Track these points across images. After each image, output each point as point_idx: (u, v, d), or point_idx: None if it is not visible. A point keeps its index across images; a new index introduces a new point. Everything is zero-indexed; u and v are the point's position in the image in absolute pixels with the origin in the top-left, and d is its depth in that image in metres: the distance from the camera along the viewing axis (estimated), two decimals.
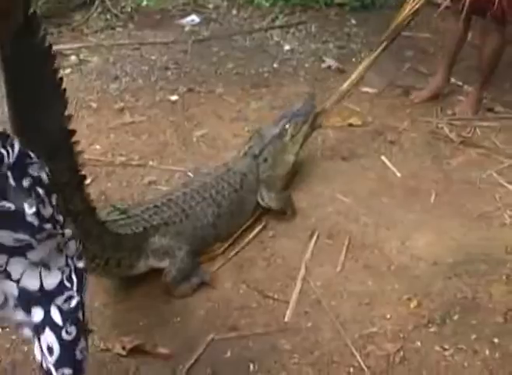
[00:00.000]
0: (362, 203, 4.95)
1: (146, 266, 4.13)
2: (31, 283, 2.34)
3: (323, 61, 7.51)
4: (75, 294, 2.43)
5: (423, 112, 6.28)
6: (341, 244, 4.53)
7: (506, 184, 5.13)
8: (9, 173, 2.10)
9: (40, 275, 2.35)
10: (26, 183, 2.15)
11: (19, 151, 2.14)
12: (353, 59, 7.57)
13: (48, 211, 2.23)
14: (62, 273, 2.40)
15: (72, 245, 2.43)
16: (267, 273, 4.32)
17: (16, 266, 2.28)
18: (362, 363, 3.62)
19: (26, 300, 2.36)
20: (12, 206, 2.10)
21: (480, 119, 6.20)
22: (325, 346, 3.75)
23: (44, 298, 2.38)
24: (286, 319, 3.93)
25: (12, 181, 2.11)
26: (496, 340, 3.75)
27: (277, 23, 8.69)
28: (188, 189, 4.46)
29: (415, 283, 4.17)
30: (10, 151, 2.11)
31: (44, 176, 2.23)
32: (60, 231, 2.33)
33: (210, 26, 8.68)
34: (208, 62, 7.49)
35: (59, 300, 2.40)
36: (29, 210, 2.13)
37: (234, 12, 9.06)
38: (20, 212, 2.12)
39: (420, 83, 6.86)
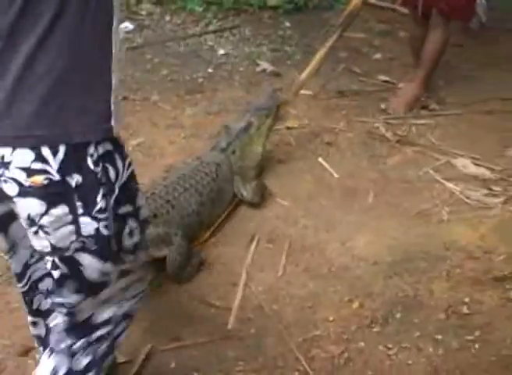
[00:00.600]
0: (301, 206, 4.94)
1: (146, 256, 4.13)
2: None
3: (258, 64, 7.50)
4: None
5: (358, 112, 6.30)
6: (281, 248, 4.51)
7: (442, 181, 5.15)
8: None
9: None
10: None
11: None
12: (288, 62, 7.59)
13: None
14: None
15: None
16: (208, 280, 4.28)
17: None
18: (307, 367, 3.60)
19: None
20: None
21: (415, 117, 6.23)
22: (270, 352, 3.73)
23: None
24: (229, 327, 3.90)
25: None
26: (438, 336, 3.76)
27: (211, 27, 8.67)
28: (168, 182, 4.57)
29: (356, 284, 4.16)
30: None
31: None
32: None
33: (143, 32, 8.62)
34: (142, 70, 7.44)
35: None
36: None
37: (167, 18, 9.01)
38: None
39: (354, 84, 6.90)
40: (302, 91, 6.55)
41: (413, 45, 6.66)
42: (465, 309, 3.94)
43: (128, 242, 2.46)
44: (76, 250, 2.31)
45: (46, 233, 2.25)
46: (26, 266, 2.77)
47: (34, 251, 2.48)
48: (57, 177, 2.14)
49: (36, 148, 2.11)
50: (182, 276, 4.25)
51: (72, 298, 2.46)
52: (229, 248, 4.55)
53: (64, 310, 2.53)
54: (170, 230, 4.25)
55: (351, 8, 5.63)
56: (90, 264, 2.36)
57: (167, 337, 3.85)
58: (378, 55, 7.71)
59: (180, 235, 4.27)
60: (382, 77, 7.07)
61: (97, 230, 2.28)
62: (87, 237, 2.29)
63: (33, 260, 2.75)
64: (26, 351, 3.65)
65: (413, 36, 6.65)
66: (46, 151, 2.11)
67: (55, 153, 2.12)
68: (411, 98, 6.41)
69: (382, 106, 6.45)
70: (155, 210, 4.30)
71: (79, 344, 2.61)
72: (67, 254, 2.31)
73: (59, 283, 2.42)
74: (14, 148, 2.12)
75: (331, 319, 3.92)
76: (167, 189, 4.51)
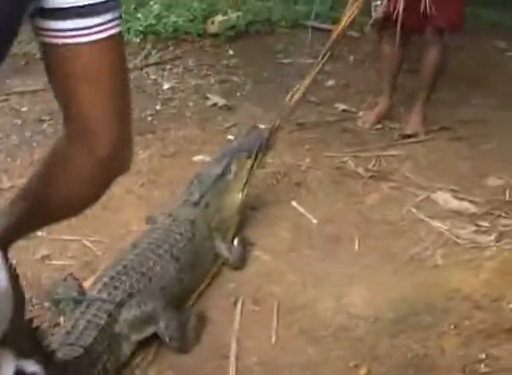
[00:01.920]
0: (283, 259, 4.55)
1: (132, 346, 3.79)
2: None
3: (207, 98, 7.11)
4: None
5: (323, 146, 5.97)
6: (269, 310, 4.10)
7: (427, 219, 4.86)
8: None
9: None
10: None
11: None
12: (238, 94, 7.24)
13: None
14: None
15: None
16: (195, 354, 3.84)
17: None
18: None
19: None
20: None
21: (382, 148, 5.94)
22: None
23: None
24: None
25: None
26: None
27: (151, 59, 8.23)
28: (140, 250, 4.10)
29: (360, 347, 3.79)
30: None
31: None
32: None
33: None
34: None
35: None
36: None
37: None
38: None
39: (313, 115, 6.58)
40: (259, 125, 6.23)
41: (387, 70, 6.39)
42: (483, 367, 3.61)
43: None
44: None
45: None
46: None
47: None
48: None
49: None
50: (184, 348, 3.83)
51: None
52: (214, 314, 4.10)
53: None
54: (151, 308, 3.78)
55: (338, 31, 5.29)
56: None
57: None
58: (331, 82, 7.40)
59: (161, 307, 3.79)
60: (340, 106, 6.78)
61: None
62: None
63: None
64: None
65: (387, 60, 6.36)
66: None
67: None
68: (423, 119, 6.28)
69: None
70: (130, 288, 3.85)
71: None
72: None
73: None
74: None
75: None
76: (140, 259, 4.03)
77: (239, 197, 4.65)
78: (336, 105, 6.84)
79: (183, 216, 4.41)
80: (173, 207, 4.63)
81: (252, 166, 4.73)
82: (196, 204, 4.50)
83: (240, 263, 4.51)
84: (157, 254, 4.09)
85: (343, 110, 6.75)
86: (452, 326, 3.88)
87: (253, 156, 4.73)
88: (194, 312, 4.05)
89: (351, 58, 7.87)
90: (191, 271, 4.22)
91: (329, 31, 8.43)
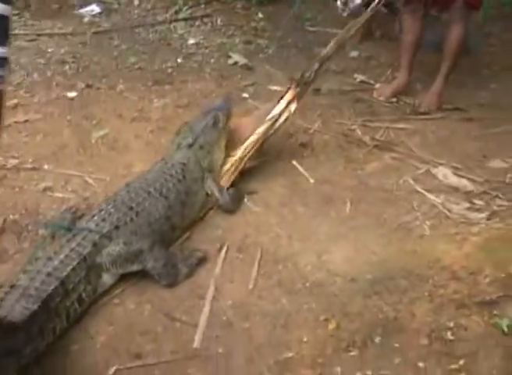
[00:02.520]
0: (274, 212, 4.65)
1: (113, 278, 3.96)
2: None
3: (229, 57, 7.19)
4: None
5: (335, 113, 6.05)
6: (252, 259, 4.20)
7: (422, 191, 4.91)
8: None
9: None
10: None
11: None
12: (261, 55, 7.33)
13: None
14: None
15: None
16: (173, 291, 3.95)
17: None
18: None
19: None
20: None
21: (392, 120, 5.98)
22: (239, 374, 3.43)
23: None
24: (195, 345, 3.59)
25: None
26: (420, 364, 3.48)
27: (181, 15, 8.36)
28: (131, 188, 4.31)
29: (333, 302, 3.87)
30: None
31: None
32: None
33: (111, 17, 8.31)
34: (108, 56, 7.12)
35: None
36: None
37: (136, 2, 8.71)
38: None
39: (331, 83, 6.63)
40: (274, 88, 6.32)
41: (407, 44, 6.42)
42: (449, 335, 3.65)
43: None
44: None
45: None
46: None
47: None
48: None
49: None
50: (173, 281, 4.00)
51: None
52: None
53: None
54: (137, 248, 3.93)
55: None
56: None
57: (128, 354, 3.54)
58: (354, 54, 7.45)
59: (150, 248, 3.95)
60: (359, 77, 6.83)
61: None
62: None
63: None
64: None
65: (408, 34, 6.40)
66: None
67: None
68: (439, 94, 6.35)
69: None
70: (117, 221, 4.01)
71: None
72: None
73: None
74: None
75: (305, 340, 3.63)
76: (129, 195, 4.22)
77: (224, 143, 4.99)
78: (355, 75, 6.88)
79: (175, 160, 4.66)
80: (168, 152, 4.87)
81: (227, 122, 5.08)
82: (190, 146, 4.77)
83: (230, 206, 4.66)
84: (147, 191, 4.28)
85: (361, 81, 6.81)
86: (426, 294, 3.93)
87: (227, 114, 5.08)
88: (185, 251, 4.24)
89: (377, 32, 7.90)
90: (180, 210, 4.39)
91: None
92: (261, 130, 4.96)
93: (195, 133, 4.84)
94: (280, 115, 4.99)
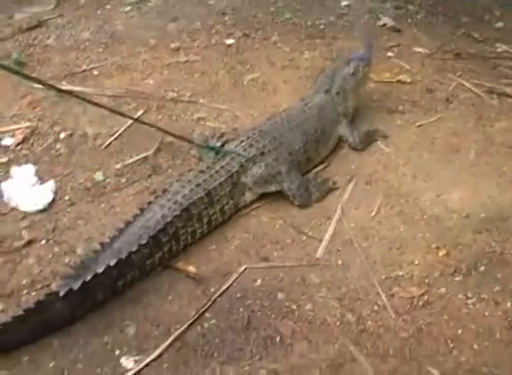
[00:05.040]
0: (402, 155, 5.08)
1: (253, 196, 4.56)
2: None
3: (379, 19, 7.55)
4: None
5: (473, 75, 6.31)
6: (378, 191, 4.67)
7: None
8: None
9: None
10: None
11: None
12: (409, 20, 7.60)
13: None
14: None
15: None
16: (304, 211, 4.50)
17: None
18: (386, 303, 3.77)
19: None
20: None
21: None
22: (353, 284, 3.92)
23: None
24: (317, 255, 4.11)
25: None
26: None
27: None
28: (274, 121, 4.88)
29: (446, 234, 4.29)
30: None
31: None
32: None
33: None
34: (265, 11, 7.59)
35: None
36: None
37: None
38: None
39: (472, 49, 6.89)
40: (419, 50, 6.65)
41: None
42: None
43: None
44: None
45: None
46: None
47: None
48: None
49: None
50: (306, 203, 4.54)
51: None
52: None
53: None
54: (276, 171, 4.49)
55: None
56: None
57: (257, 257, 4.09)
58: (500, 24, 7.64)
59: (286, 169, 4.51)
60: (502, 46, 7.02)
61: None
62: None
63: None
64: None
65: None
66: None
67: None
68: None
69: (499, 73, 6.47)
70: (263, 148, 4.56)
71: None
72: None
73: None
74: None
75: (416, 262, 4.07)
76: (274, 127, 4.77)
77: (361, 93, 5.50)
78: (498, 44, 7.09)
79: (315, 101, 5.17)
80: (307, 94, 5.40)
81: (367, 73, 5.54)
82: (327, 91, 5.25)
83: (360, 147, 5.12)
84: (288, 126, 4.81)
85: (504, 51, 6.99)
86: None
87: (370, 65, 5.52)
88: (318, 179, 4.75)
89: None
90: (315, 145, 4.90)
91: None
92: None
93: (334, 80, 5.30)
94: None
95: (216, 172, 4.33)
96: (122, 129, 5.24)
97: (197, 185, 4.21)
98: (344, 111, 5.26)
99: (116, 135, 5.17)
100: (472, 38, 7.18)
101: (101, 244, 3.81)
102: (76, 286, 3.46)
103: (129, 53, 6.48)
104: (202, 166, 4.44)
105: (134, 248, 3.77)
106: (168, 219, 3.98)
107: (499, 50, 6.97)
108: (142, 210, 4.02)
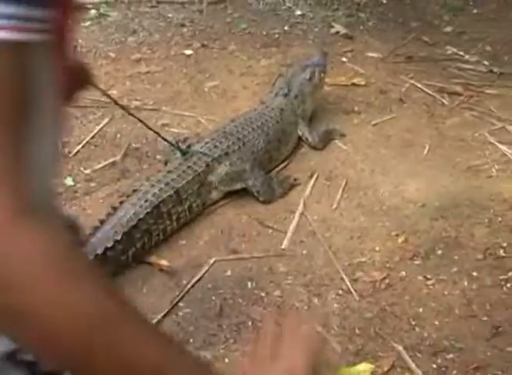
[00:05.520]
0: (360, 151, 5.31)
1: (219, 194, 4.75)
2: None
3: (332, 27, 7.82)
4: None
5: (425, 76, 6.58)
6: (338, 186, 4.88)
7: (496, 143, 5.41)
8: None
9: None
10: None
11: None
12: (361, 27, 7.90)
13: None
14: None
15: None
16: (268, 207, 4.69)
17: None
18: (350, 287, 3.97)
19: None
20: None
21: (478, 86, 6.45)
22: (318, 271, 4.11)
23: None
24: (283, 246, 4.31)
25: None
26: (474, 273, 4.08)
27: None
28: (237, 123, 5.09)
29: (404, 222, 4.52)
30: None
31: None
32: None
33: None
34: (222, 22, 7.84)
35: None
36: None
37: None
38: None
39: (423, 52, 7.18)
40: (371, 54, 6.92)
41: None
42: (501, 252, 4.25)
43: None
44: None
45: None
46: None
47: None
48: None
49: None
50: (269, 199, 4.73)
51: None
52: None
53: None
54: (241, 168, 4.70)
55: None
56: None
57: (226, 250, 4.29)
58: (448, 29, 7.95)
59: (250, 167, 4.71)
60: (451, 49, 7.31)
61: None
62: None
63: None
64: None
65: None
66: None
67: None
68: None
69: (448, 74, 6.74)
70: (227, 148, 4.77)
71: None
72: None
73: None
74: None
75: (377, 249, 4.29)
76: (237, 128, 4.99)
77: (317, 96, 5.81)
78: (447, 47, 7.38)
79: (274, 105, 5.41)
80: (266, 97, 5.66)
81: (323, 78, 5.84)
82: (286, 95, 5.51)
83: (318, 146, 5.36)
84: (251, 127, 5.04)
85: (453, 53, 7.28)
86: (486, 220, 4.52)
87: (325, 70, 5.84)
88: (280, 177, 4.99)
89: (474, 10, 8.41)
90: (277, 145, 5.14)
91: None
92: None
93: (291, 84, 5.57)
94: None
95: (184, 172, 4.52)
96: (89, 137, 5.40)
97: (166, 184, 4.40)
98: (302, 113, 5.52)
99: (83, 143, 5.32)
100: (423, 42, 7.48)
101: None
102: None
103: (92, 66, 6.61)
104: (170, 166, 4.62)
105: (109, 244, 3.95)
106: (141, 216, 4.16)
107: (448, 52, 7.26)
108: (115, 209, 4.20)
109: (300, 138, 5.40)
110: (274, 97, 5.53)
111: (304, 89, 5.58)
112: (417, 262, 4.18)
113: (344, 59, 6.97)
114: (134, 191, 4.38)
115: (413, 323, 3.76)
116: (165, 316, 3.78)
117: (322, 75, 5.76)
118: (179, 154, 4.74)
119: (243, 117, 5.18)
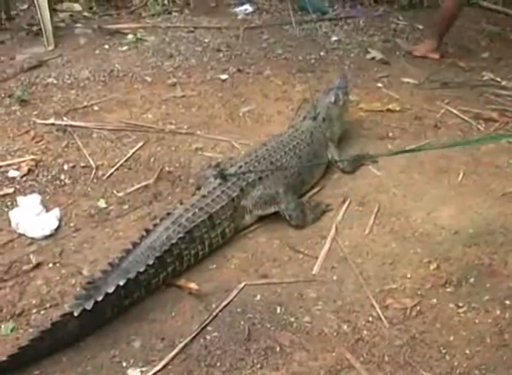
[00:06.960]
0: (393, 177, 5.29)
1: (252, 218, 4.76)
2: None
3: (368, 52, 7.83)
4: None
5: (460, 102, 6.56)
6: (370, 211, 4.85)
7: None
8: None
9: None
10: None
11: None
12: (397, 52, 7.88)
13: None
14: None
15: None
16: (300, 232, 4.69)
17: None
18: (381, 314, 3.93)
19: None
20: None
21: None
22: (348, 297, 4.08)
23: None
24: (313, 272, 4.28)
25: None
26: (507, 302, 4.02)
27: (326, 16, 9.02)
28: (269, 146, 5.08)
29: (436, 249, 4.47)
30: None
31: None
32: None
33: (262, 15, 9.13)
34: (258, 47, 7.89)
35: None
36: None
37: (284, 4, 9.41)
38: None
39: (459, 78, 7.15)
40: (407, 80, 6.91)
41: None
42: None
43: None
44: None
45: None
46: None
47: None
48: None
49: None
50: (302, 224, 4.73)
51: None
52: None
53: None
54: (274, 192, 4.71)
55: None
56: None
57: (256, 274, 4.27)
58: (485, 54, 7.93)
59: (283, 191, 4.71)
60: (488, 74, 7.28)
61: None
62: None
63: None
64: None
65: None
66: None
67: None
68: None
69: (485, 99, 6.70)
70: (261, 173, 4.78)
71: None
72: None
73: None
74: None
75: (408, 276, 4.24)
76: (269, 152, 4.98)
77: (344, 118, 5.84)
78: (484, 73, 7.35)
79: (303, 128, 5.41)
80: (295, 122, 5.74)
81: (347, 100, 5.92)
82: (314, 118, 5.53)
83: (348, 169, 5.36)
84: (283, 151, 5.04)
85: (490, 79, 7.24)
86: None
87: (348, 93, 5.97)
88: (312, 202, 4.97)
89: (511, 36, 8.38)
90: (309, 169, 5.13)
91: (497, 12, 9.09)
92: None
93: (317, 108, 5.59)
94: None
95: (217, 196, 4.53)
96: (123, 160, 5.44)
97: (200, 209, 4.41)
98: (331, 136, 5.55)
99: (117, 166, 5.36)
100: (459, 68, 7.48)
101: (110, 264, 3.99)
102: (89, 306, 3.62)
103: (128, 90, 6.71)
104: (204, 191, 4.62)
105: (142, 269, 3.96)
106: (173, 241, 4.17)
107: (485, 78, 7.26)
108: (148, 231, 4.21)
109: (330, 162, 5.40)
110: (302, 120, 5.56)
111: (331, 112, 5.63)
112: (448, 290, 4.13)
113: (380, 85, 6.98)
114: (168, 214, 4.38)
115: (443, 351, 3.71)
116: (193, 339, 3.76)
117: (346, 97, 5.84)
118: (212, 178, 4.74)
119: (274, 141, 5.17)
